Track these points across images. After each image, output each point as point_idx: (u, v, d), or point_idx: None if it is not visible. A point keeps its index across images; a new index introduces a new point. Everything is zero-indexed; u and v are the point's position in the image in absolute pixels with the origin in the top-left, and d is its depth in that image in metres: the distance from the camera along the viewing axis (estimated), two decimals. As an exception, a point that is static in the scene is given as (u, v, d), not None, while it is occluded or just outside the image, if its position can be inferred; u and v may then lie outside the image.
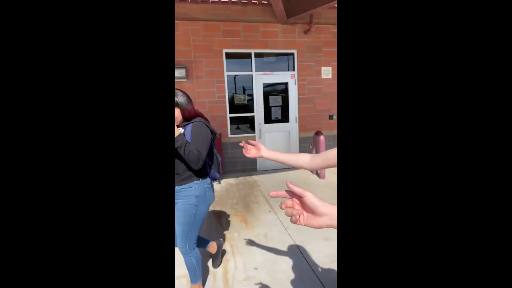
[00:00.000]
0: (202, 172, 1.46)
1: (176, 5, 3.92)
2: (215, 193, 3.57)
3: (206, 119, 1.46)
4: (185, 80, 4.12)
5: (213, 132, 1.45)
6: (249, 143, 1.10)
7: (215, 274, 1.87)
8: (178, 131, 1.31)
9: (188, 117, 1.40)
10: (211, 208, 3.06)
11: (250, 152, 1.08)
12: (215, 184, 3.98)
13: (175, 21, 4.01)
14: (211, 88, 4.29)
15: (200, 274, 1.58)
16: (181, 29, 4.06)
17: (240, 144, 1.14)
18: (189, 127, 1.38)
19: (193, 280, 1.57)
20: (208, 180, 1.50)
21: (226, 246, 2.24)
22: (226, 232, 2.48)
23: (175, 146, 1.27)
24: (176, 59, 4.08)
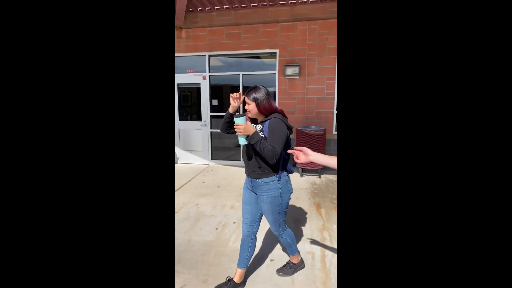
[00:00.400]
0: (279, 166, 1.55)
1: (296, 7, 4.23)
2: (316, 185, 3.75)
3: (284, 115, 1.55)
4: (297, 77, 4.42)
5: (289, 128, 1.52)
6: (296, 150, 1.15)
7: (313, 255, 2.08)
8: (254, 128, 1.42)
9: (264, 112, 1.51)
10: (311, 202, 3.27)
11: (300, 158, 1.12)
12: (316, 177, 4.15)
13: (295, 23, 4.33)
14: (321, 85, 4.42)
15: (296, 247, 1.84)
16: (299, 29, 4.35)
17: (289, 151, 1.23)
18: (266, 123, 1.48)
19: (291, 253, 1.85)
20: (285, 173, 1.61)
21: (325, 234, 2.41)
22: (324, 223, 2.64)
23: (252, 143, 1.40)
24: (291, 57, 4.43)
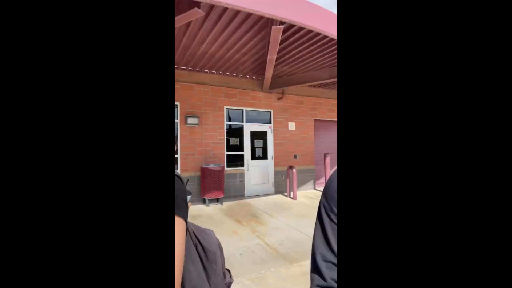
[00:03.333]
0: None
1: (194, 73, 5.50)
2: (223, 210, 4.83)
3: None
4: (197, 125, 5.51)
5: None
6: None
7: (261, 245, 3.22)
8: None
9: None
10: (230, 220, 4.36)
11: None
12: (219, 204, 5.21)
13: (193, 84, 5.53)
14: (215, 133, 5.76)
15: None
16: (196, 89, 5.57)
17: None
18: None
19: None
20: None
21: (257, 234, 3.60)
22: (252, 228, 3.83)
23: None
24: (193, 110, 5.50)
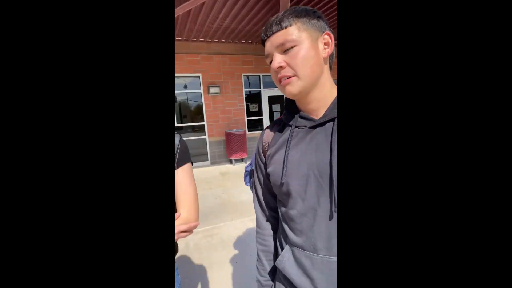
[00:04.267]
0: None
1: (213, 44, 5.83)
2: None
3: None
4: (219, 94, 6.02)
5: None
6: None
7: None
8: None
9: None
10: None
11: None
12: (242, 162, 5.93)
13: (212, 55, 5.90)
14: (235, 100, 6.26)
15: None
16: (215, 60, 5.96)
17: None
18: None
19: None
20: None
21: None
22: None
23: None
24: (213, 80, 5.97)
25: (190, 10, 4.03)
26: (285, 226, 0.63)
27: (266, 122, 6.65)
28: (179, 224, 0.71)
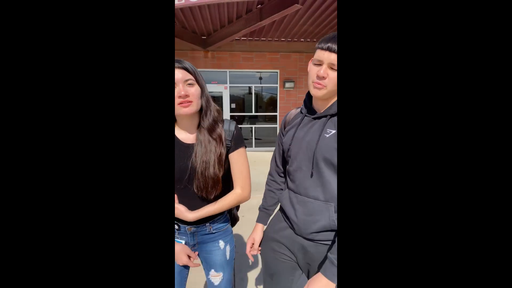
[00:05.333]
0: None
1: (292, 43, 6.47)
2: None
3: None
4: (292, 89, 6.70)
5: None
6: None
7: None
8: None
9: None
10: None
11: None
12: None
13: (290, 53, 6.56)
14: (307, 94, 6.82)
15: None
16: (292, 57, 6.61)
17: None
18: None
19: None
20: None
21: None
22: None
23: None
24: (289, 76, 6.67)
25: (285, 16, 4.75)
26: (288, 175, 0.92)
27: (335, 117, 7.01)
28: (234, 198, 0.89)
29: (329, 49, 0.72)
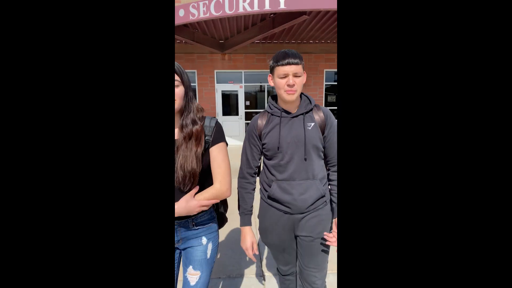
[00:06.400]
0: None
1: (302, 45, 7.05)
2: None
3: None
4: (302, 87, 7.29)
5: None
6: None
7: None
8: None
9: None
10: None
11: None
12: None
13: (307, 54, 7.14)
14: (315, 92, 7.40)
15: None
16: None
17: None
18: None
19: None
20: None
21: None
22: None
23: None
24: (298, 75, 7.25)
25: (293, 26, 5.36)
26: (273, 171, 1.05)
27: (341, 113, 7.59)
28: (211, 193, 0.90)
29: (289, 63, 0.94)
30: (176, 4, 5.31)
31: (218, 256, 2.01)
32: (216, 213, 1.07)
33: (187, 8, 4.49)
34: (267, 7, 4.10)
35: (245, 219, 1.10)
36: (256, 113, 7.56)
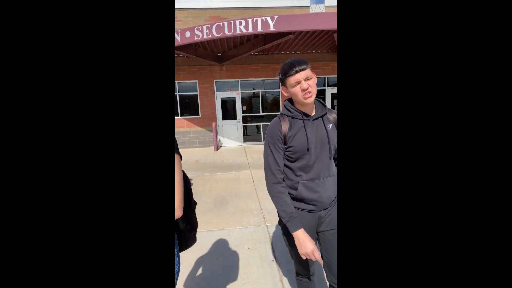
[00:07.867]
0: None
1: (289, 55, 8.01)
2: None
3: None
4: (292, 92, 8.23)
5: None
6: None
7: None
8: None
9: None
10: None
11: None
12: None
13: (288, 64, 8.08)
14: (304, 96, 8.36)
15: None
16: (290, 67, 8.14)
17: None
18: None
19: None
20: None
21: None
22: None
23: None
24: (288, 82, 8.20)
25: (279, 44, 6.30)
26: (299, 172, 1.10)
27: (327, 114, 8.54)
28: None
29: (297, 71, 1.00)
30: (183, 27, 6.22)
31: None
32: (177, 234, 0.96)
33: (193, 30, 5.39)
34: (259, 29, 5.03)
35: (295, 223, 1.06)
36: (253, 116, 8.46)
